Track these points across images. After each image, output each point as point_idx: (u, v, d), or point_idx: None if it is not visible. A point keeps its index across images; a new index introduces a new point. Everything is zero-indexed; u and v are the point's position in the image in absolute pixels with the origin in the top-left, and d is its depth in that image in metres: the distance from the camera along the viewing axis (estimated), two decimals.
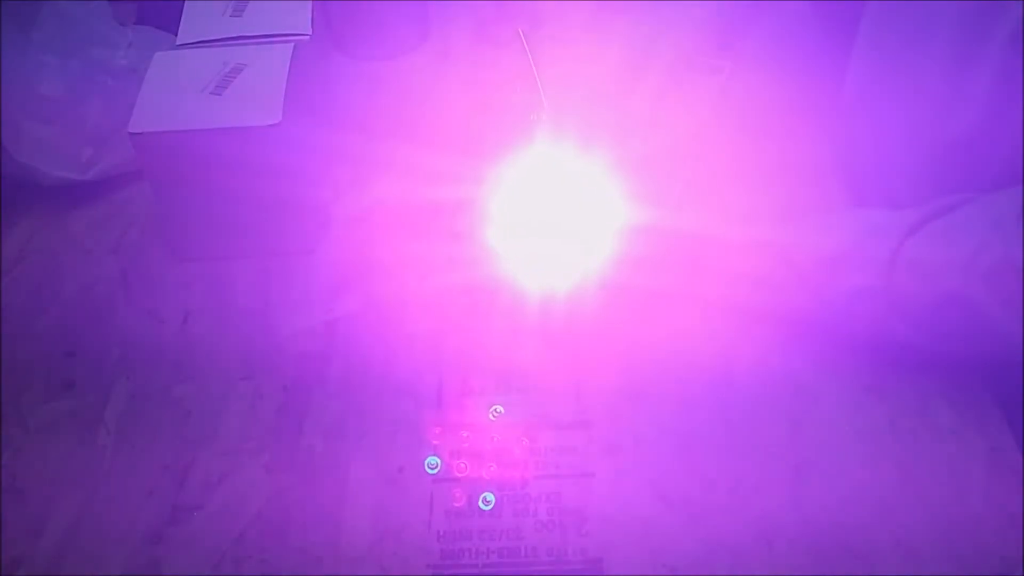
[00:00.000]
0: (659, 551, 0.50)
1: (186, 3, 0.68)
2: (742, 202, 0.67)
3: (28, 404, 0.57)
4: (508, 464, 0.53)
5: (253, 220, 0.63)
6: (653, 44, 0.77)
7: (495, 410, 0.55)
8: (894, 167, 0.61)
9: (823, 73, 0.71)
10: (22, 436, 0.56)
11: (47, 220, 0.69)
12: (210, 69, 0.62)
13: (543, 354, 0.59)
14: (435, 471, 0.53)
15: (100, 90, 0.73)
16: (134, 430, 0.56)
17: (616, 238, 0.59)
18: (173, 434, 0.56)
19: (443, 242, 0.66)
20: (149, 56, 0.64)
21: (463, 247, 0.65)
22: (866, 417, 0.55)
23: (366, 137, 0.75)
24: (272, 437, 0.55)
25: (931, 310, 0.50)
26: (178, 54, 0.64)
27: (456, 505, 0.52)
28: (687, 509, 0.51)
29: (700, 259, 0.58)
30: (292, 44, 0.64)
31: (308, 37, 0.65)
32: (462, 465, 0.53)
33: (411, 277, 0.64)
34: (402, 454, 0.54)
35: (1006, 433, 0.54)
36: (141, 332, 0.61)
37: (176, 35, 0.66)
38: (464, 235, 0.66)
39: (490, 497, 0.51)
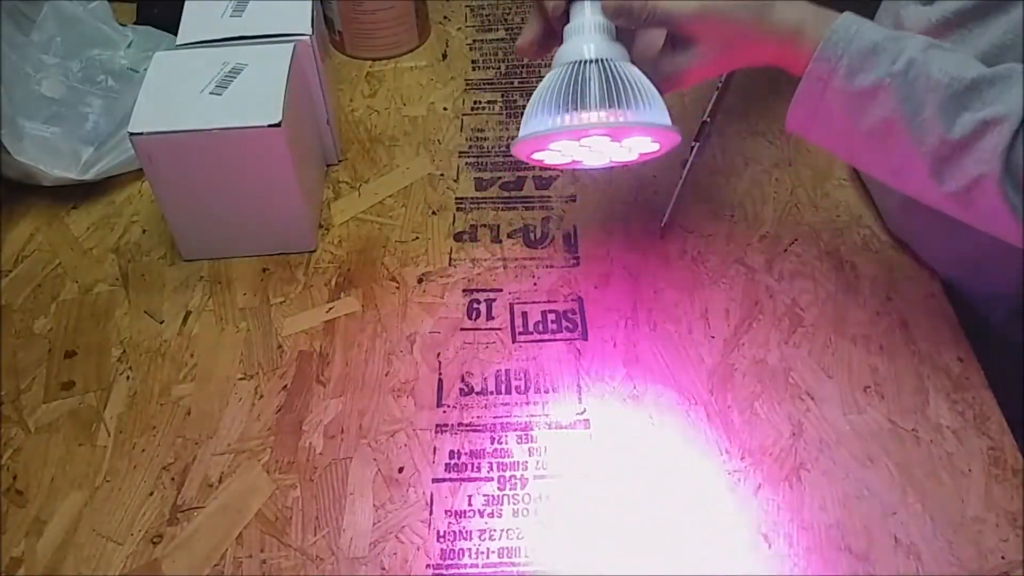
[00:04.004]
0: (659, 551, 0.50)
1: (186, 3, 0.68)
2: None
3: (28, 404, 0.57)
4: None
5: (253, 220, 0.63)
6: None
7: None
8: None
9: None
10: (22, 436, 0.56)
11: (47, 220, 0.69)
12: (210, 69, 0.62)
13: (544, 353, 0.59)
14: None
15: (100, 90, 0.73)
16: (134, 430, 0.56)
17: None
18: (173, 434, 0.56)
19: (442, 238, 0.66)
20: (149, 56, 0.64)
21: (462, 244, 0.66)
22: (866, 417, 0.55)
23: (366, 137, 0.75)
24: (272, 437, 0.55)
25: None
26: (178, 54, 0.64)
27: (456, 505, 0.52)
28: (687, 509, 0.51)
29: None
30: (292, 44, 0.64)
31: (308, 37, 0.65)
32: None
33: (410, 274, 0.64)
34: (402, 454, 0.54)
35: (1006, 433, 0.54)
36: (141, 332, 0.61)
37: (176, 35, 0.66)
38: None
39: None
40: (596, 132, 0.50)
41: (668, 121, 0.51)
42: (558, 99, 0.50)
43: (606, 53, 0.51)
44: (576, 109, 0.50)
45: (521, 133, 0.52)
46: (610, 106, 0.50)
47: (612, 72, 0.50)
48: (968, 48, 0.55)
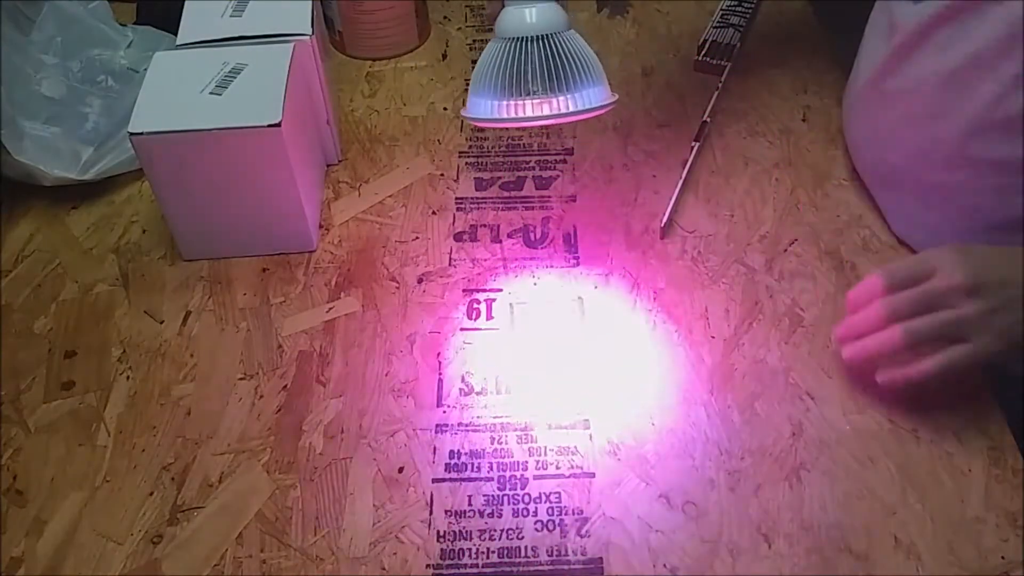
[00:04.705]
0: (659, 551, 0.50)
1: (186, 3, 0.68)
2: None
3: (28, 404, 0.57)
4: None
5: (253, 220, 0.63)
6: None
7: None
8: None
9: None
10: (22, 436, 0.56)
11: (47, 220, 0.69)
12: (210, 69, 0.62)
13: (544, 353, 0.59)
14: None
15: (100, 90, 0.73)
16: (134, 430, 0.56)
17: None
18: (173, 434, 0.56)
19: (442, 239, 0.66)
20: (149, 56, 0.64)
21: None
22: (866, 417, 0.55)
23: (366, 137, 0.75)
24: (272, 437, 0.55)
25: None
26: (178, 54, 0.64)
27: (456, 505, 0.52)
28: (687, 509, 0.51)
29: None
30: (292, 44, 0.64)
31: (308, 37, 0.65)
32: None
33: (409, 274, 0.64)
34: (402, 454, 0.54)
35: (1006, 433, 0.54)
36: (141, 332, 0.61)
37: (176, 35, 0.66)
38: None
39: None
40: (537, 124, 0.56)
41: (607, 97, 0.55)
42: (502, 82, 0.54)
43: (547, 23, 0.53)
44: (519, 95, 0.54)
45: (469, 110, 0.56)
46: (553, 90, 0.53)
47: (553, 50, 0.53)
48: (963, 44, 0.54)
